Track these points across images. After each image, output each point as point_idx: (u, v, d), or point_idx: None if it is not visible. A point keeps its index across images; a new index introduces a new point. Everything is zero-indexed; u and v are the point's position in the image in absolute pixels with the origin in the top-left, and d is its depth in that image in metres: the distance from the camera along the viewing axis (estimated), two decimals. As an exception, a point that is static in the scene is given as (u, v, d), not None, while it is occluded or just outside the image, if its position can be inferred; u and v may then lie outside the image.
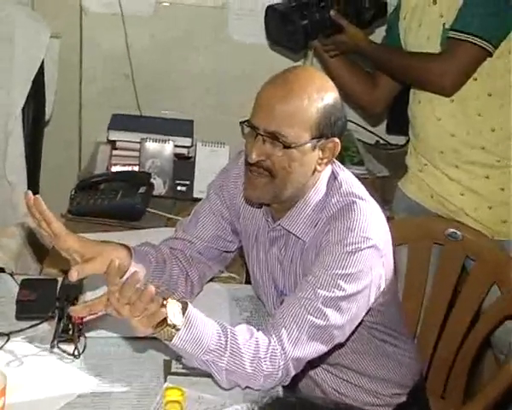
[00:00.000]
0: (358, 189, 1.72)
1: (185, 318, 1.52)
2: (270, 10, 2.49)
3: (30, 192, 1.64)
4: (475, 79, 2.19)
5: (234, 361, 1.55)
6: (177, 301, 1.54)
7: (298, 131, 1.61)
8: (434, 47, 2.24)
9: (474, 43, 2.13)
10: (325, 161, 1.68)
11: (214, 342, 1.54)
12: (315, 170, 1.68)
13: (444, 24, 2.21)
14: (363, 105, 2.66)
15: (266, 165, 1.64)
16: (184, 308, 1.53)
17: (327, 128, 1.64)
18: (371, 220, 1.66)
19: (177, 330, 1.51)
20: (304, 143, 1.62)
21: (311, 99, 1.62)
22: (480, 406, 1.95)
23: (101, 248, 1.68)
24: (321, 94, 1.63)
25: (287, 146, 1.61)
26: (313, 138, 1.63)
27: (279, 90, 1.62)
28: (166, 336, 1.51)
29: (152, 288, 1.47)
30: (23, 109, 2.63)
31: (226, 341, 1.55)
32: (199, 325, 1.53)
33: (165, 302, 1.50)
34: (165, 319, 1.50)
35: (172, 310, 1.51)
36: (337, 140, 1.66)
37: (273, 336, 1.59)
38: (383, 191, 2.73)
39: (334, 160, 1.74)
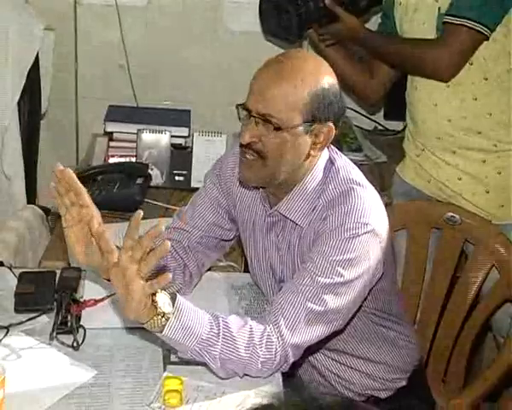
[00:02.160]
0: (356, 175, 1.72)
1: (175, 307, 1.51)
2: (265, 1, 2.48)
3: (59, 163, 1.59)
4: (471, 64, 2.19)
5: (227, 348, 1.55)
6: (166, 292, 1.53)
7: (289, 114, 1.61)
8: (430, 32, 2.23)
9: (470, 28, 2.12)
10: (319, 146, 1.67)
11: (206, 331, 1.54)
12: (309, 154, 1.67)
13: (439, 8, 2.20)
14: (360, 94, 2.65)
15: (257, 147, 1.64)
16: (173, 299, 1.52)
17: (320, 112, 1.63)
18: (369, 206, 1.66)
19: (167, 319, 1.50)
20: (295, 126, 1.63)
21: (304, 82, 1.61)
22: (480, 389, 1.96)
23: None
24: (314, 77, 1.63)
25: (278, 128, 1.61)
26: (305, 122, 1.63)
27: (271, 73, 1.63)
28: (157, 325, 1.50)
29: (168, 244, 1.45)
30: (19, 103, 2.64)
31: (218, 329, 1.55)
32: (189, 313, 1.53)
33: (155, 293, 1.49)
34: (155, 309, 1.49)
35: (162, 300, 1.50)
36: (331, 125, 1.66)
37: (270, 323, 1.59)
38: (381, 177, 2.74)
39: (332, 146, 1.74)
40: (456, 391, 2.14)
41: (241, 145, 1.67)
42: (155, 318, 1.50)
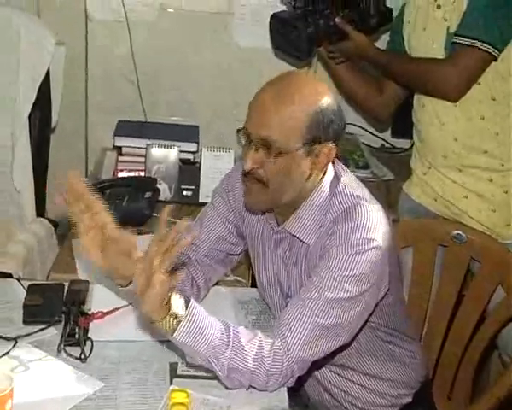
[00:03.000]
0: (361, 191, 1.72)
1: (188, 311, 1.54)
2: (275, 18, 2.48)
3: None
4: (479, 84, 2.19)
5: (236, 358, 1.56)
6: (181, 297, 1.55)
7: (289, 137, 1.61)
8: (439, 51, 2.24)
9: (479, 48, 2.12)
10: (320, 166, 1.68)
11: (216, 338, 1.56)
12: (310, 175, 1.68)
13: (448, 28, 2.21)
14: (369, 111, 2.65)
15: (259, 174, 1.65)
16: (187, 303, 1.55)
17: (319, 132, 1.64)
18: (375, 222, 1.66)
19: (179, 322, 1.53)
20: (296, 149, 1.63)
21: (302, 104, 1.62)
22: (485, 407, 1.95)
23: None
24: (312, 98, 1.64)
25: (278, 154, 1.62)
26: (305, 143, 1.63)
27: (269, 96, 1.63)
28: (168, 326, 1.53)
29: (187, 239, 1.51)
30: (30, 116, 2.64)
31: (229, 337, 1.57)
32: (201, 319, 1.55)
33: (169, 295, 1.52)
34: (168, 309, 1.52)
35: (176, 303, 1.53)
36: (331, 145, 1.66)
37: (278, 337, 1.60)
38: (388, 194, 2.74)
39: (337, 161, 1.75)
40: (462, 408, 2.14)
41: (244, 173, 1.68)
42: (168, 318, 1.52)
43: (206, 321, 1.56)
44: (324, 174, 1.72)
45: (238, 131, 1.68)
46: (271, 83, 1.66)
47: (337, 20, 2.38)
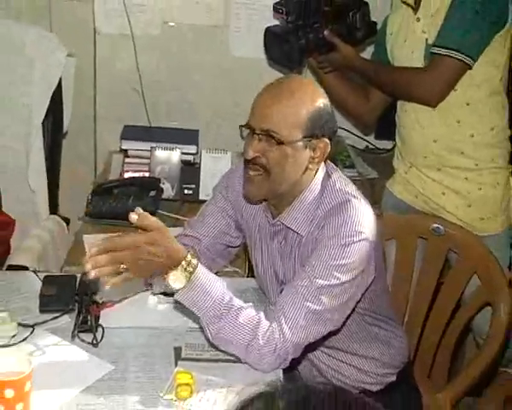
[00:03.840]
0: (351, 187, 1.73)
1: (189, 280, 1.57)
2: (269, 32, 2.48)
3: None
4: (455, 90, 2.20)
5: (226, 330, 1.59)
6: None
7: (290, 130, 1.63)
8: (418, 60, 2.25)
9: (455, 58, 2.13)
10: (316, 160, 1.69)
11: (212, 308, 1.59)
12: (307, 168, 1.69)
13: (426, 39, 2.22)
14: (356, 116, 2.65)
15: (261, 161, 1.66)
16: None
17: (318, 129, 1.66)
18: (363, 216, 1.67)
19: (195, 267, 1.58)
20: (296, 141, 1.64)
21: (302, 101, 1.64)
22: (462, 384, 1.97)
23: None
24: (311, 97, 1.66)
25: (280, 142, 1.63)
26: (305, 137, 1.65)
27: (272, 94, 1.65)
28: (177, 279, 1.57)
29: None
30: (43, 123, 2.64)
31: (228, 310, 1.59)
32: (200, 289, 1.58)
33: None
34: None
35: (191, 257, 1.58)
36: (327, 140, 1.68)
37: (273, 322, 1.61)
38: (372, 191, 2.74)
39: (328, 161, 1.76)
40: (441, 386, 2.14)
41: (246, 161, 1.68)
42: (180, 268, 1.56)
43: (214, 283, 1.60)
44: (316, 172, 1.72)
45: (241, 126, 1.69)
46: (273, 84, 1.68)
47: (326, 33, 2.38)
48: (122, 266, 1.53)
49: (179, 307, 1.73)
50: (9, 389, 1.38)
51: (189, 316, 1.76)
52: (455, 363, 2.31)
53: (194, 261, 1.58)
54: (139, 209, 1.56)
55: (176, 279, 1.57)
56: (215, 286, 1.60)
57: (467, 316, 2.15)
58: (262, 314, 1.62)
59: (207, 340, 1.65)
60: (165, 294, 1.84)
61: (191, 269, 1.57)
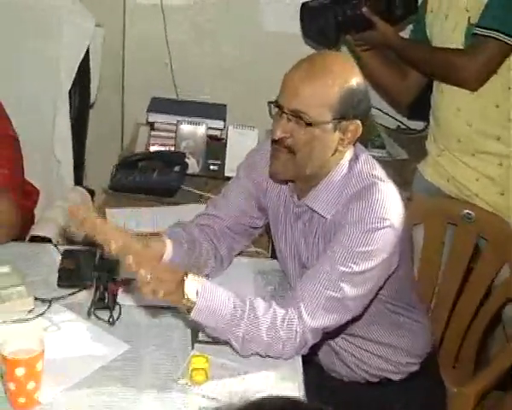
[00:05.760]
0: (378, 170, 1.65)
1: (200, 294, 1.50)
2: (305, 7, 2.43)
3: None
4: (496, 73, 2.10)
5: (251, 330, 1.52)
6: (195, 277, 1.52)
7: (320, 111, 1.56)
8: (459, 39, 2.15)
9: (498, 39, 2.03)
10: (346, 142, 1.62)
11: (229, 313, 1.51)
12: (336, 150, 1.62)
13: (469, 18, 2.12)
14: (393, 96, 2.58)
15: (289, 142, 1.59)
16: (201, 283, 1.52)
17: (349, 109, 1.58)
18: (389, 201, 1.59)
19: (193, 304, 1.50)
20: (325, 122, 1.57)
21: (334, 80, 1.56)
22: (489, 378, 1.90)
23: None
24: (344, 76, 1.57)
25: (309, 124, 1.56)
26: (335, 119, 1.57)
27: (303, 71, 1.57)
28: (185, 308, 1.50)
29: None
30: (70, 93, 2.60)
31: (243, 311, 1.52)
32: (212, 300, 1.51)
33: (185, 278, 1.49)
34: (183, 295, 1.49)
35: (189, 288, 1.49)
36: (359, 122, 1.60)
37: (292, 306, 1.55)
38: (402, 173, 2.66)
39: (357, 143, 1.68)
40: (466, 378, 2.08)
41: (273, 141, 1.62)
42: (184, 301, 1.50)
43: (218, 301, 1.52)
44: (344, 153, 1.65)
45: (269, 103, 1.62)
46: (305, 60, 1.60)
47: (364, 9, 2.29)
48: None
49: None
50: (21, 367, 1.35)
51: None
52: (482, 354, 2.25)
53: (191, 296, 1.50)
54: None
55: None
56: (220, 303, 1.53)
57: (496, 306, 2.08)
58: (274, 303, 1.57)
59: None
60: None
61: (190, 304, 1.51)
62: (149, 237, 1.71)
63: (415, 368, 1.84)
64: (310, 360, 1.64)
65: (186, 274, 1.50)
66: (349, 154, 1.66)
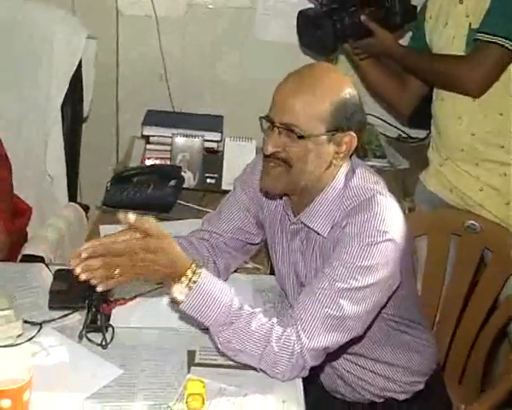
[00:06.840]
0: (376, 183, 1.60)
1: (196, 285, 1.47)
2: (302, 16, 2.38)
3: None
4: (499, 80, 2.05)
5: (237, 338, 1.48)
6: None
7: (312, 123, 1.51)
8: (460, 47, 2.11)
9: (502, 45, 1.98)
10: (341, 155, 1.57)
11: (222, 316, 1.48)
12: (331, 164, 1.57)
13: (470, 24, 2.08)
14: (392, 105, 2.53)
15: (282, 156, 1.55)
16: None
17: (343, 121, 1.53)
18: (388, 214, 1.54)
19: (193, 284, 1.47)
20: (318, 135, 1.52)
21: (325, 92, 1.52)
22: (497, 395, 1.83)
23: None
24: (336, 87, 1.53)
25: (300, 136, 1.51)
26: (328, 131, 1.53)
27: (293, 84, 1.53)
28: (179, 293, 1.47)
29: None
30: (62, 107, 2.55)
31: (237, 317, 1.48)
32: (215, 281, 1.49)
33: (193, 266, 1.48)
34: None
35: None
36: (353, 134, 1.55)
37: (290, 325, 1.49)
38: (404, 183, 2.62)
39: (354, 156, 1.63)
40: (473, 394, 2.03)
41: (265, 156, 1.57)
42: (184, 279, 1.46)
43: (219, 286, 1.49)
44: (340, 167, 1.60)
45: (261, 118, 1.58)
46: (295, 73, 1.56)
47: (362, 17, 2.25)
48: (117, 271, 1.43)
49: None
50: (6, 399, 1.28)
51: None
52: (488, 369, 2.19)
53: (200, 270, 1.48)
54: (151, 218, 1.46)
55: (181, 291, 1.47)
56: (222, 293, 1.48)
57: (502, 319, 2.02)
58: (275, 320, 1.51)
59: (216, 348, 1.54)
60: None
61: (196, 278, 1.47)
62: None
63: (420, 387, 1.79)
64: (311, 381, 1.58)
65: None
66: (345, 168, 1.61)
